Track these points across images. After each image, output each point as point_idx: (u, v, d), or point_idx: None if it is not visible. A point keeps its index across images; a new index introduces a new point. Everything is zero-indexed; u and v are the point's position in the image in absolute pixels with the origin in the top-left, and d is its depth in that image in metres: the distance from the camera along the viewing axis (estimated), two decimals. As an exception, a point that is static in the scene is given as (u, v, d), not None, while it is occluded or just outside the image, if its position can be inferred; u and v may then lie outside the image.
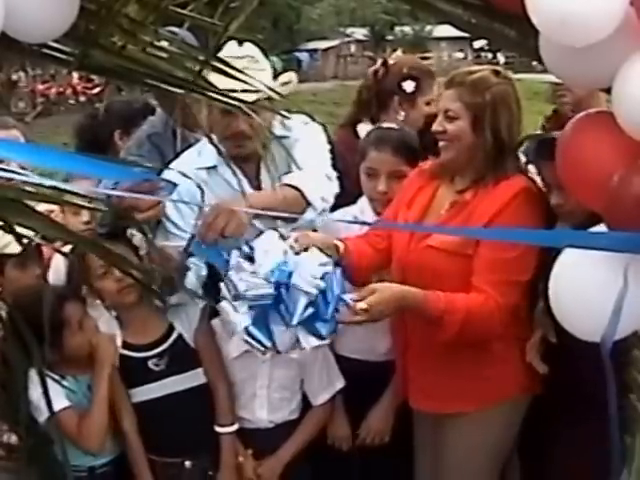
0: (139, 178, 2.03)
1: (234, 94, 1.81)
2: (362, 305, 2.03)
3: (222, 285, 2.11)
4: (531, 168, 2.43)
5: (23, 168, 2.01)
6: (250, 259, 2.08)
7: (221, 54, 2.36)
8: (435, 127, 2.33)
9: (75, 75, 19.56)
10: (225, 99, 1.69)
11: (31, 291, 2.20)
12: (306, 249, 2.14)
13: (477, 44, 36.27)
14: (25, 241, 1.74)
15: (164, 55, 1.57)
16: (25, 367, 2.00)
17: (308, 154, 2.51)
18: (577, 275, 1.47)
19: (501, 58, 28.47)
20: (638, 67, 1.31)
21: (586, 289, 1.45)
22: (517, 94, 2.31)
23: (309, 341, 2.06)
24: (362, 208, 2.65)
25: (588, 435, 2.12)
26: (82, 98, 20.14)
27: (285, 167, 2.47)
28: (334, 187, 2.55)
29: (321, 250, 2.16)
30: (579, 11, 1.24)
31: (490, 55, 33.59)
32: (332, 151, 2.69)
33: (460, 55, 38.19)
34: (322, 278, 2.02)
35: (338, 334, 2.62)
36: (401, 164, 2.57)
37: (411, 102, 3.00)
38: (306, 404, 2.63)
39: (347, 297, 2.04)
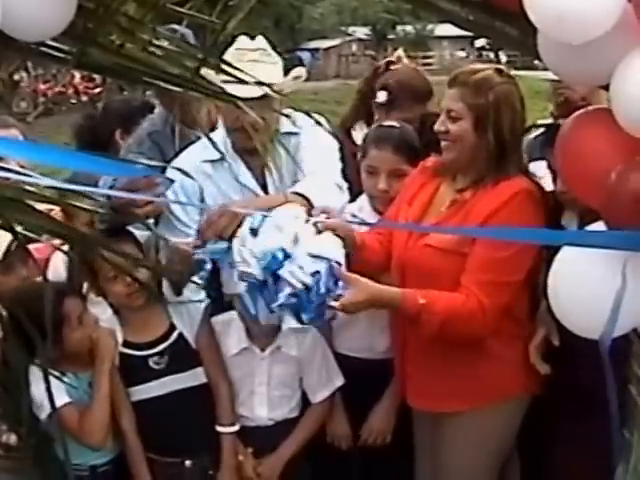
0: (139, 175, 2.03)
1: (233, 91, 1.82)
2: (335, 304, 2.07)
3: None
4: (532, 166, 2.43)
5: (22, 167, 2.02)
6: (255, 233, 2.11)
7: (233, 47, 2.45)
8: (437, 127, 2.32)
9: (77, 75, 19.58)
10: (223, 97, 1.68)
11: (30, 288, 2.21)
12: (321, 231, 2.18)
13: (479, 43, 36.21)
14: (6, 244, 1.75)
15: (162, 53, 1.56)
16: (26, 365, 2.01)
17: (318, 161, 2.52)
18: (575, 273, 1.48)
19: (503, 57, 28.44)
20: (636, 64, 1.31)
21: (585, 286, 1.46)
22: (521, 93, 2.30)
23: (289, 322, 2.14)
24: (361, 206, 2.65)
25: (588, 433, 2.14)
26: (84, 98, 20.13)
27: (291, 164, 2.50)
28: (344, 197, 2.55)
29: (339, 237, 2.19)
30: (576, 8, 1.24)
31: (492, 54, 33.54)
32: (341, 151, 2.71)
33: (462, 54, 38.14)
34: (313, 274, 2.04)
35: (337, 332, 2.64)
36: (401, 163, 2.57)
37: (383, 113, 2.98)
38: (306, 402, 2.63)
39: (333, 292, 2.08)
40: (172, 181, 2.30)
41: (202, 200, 2.53)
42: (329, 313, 2.13)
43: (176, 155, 2.69)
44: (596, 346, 1.38)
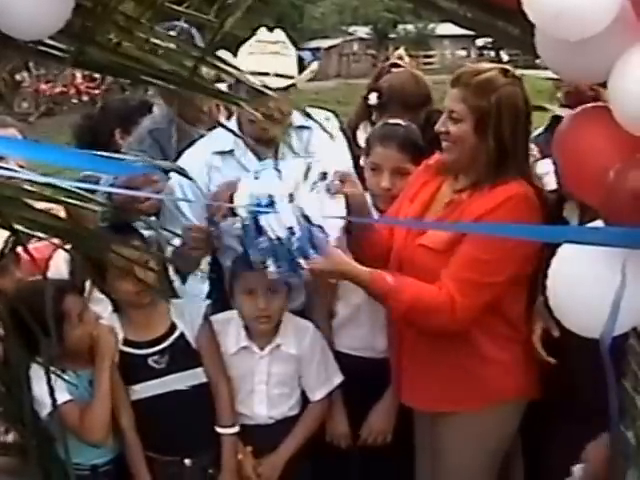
0: (138, 172, 2.03)
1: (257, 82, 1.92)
2: (305, 265, 2.16)
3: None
4: (540, 165, 2.41)
5: (21, 167, 2.01)
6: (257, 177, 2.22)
7: (254, 39, 2.53)
8: (438, 127, 2.31)
9: (78, 75, 19.59)
10: (221, 95, 1.68)
11: (31, 286, 2.21)
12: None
13: (480, 42, 36.18)
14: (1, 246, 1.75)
15: (160, 51, 1.56)
16: (26, 363, 2.01)
17: (330, 155, 2.54)
18: (575, 271, 1.47)
19: (504, 56, 28.41)
20: (634, 61, 1.31)
21: (584, 285, 1.45)
22: (526, 94, 2.26)
23: (271, 266, 2.20)
24: None
25: (587, 434, 2.14)
26: (85, 98, 20.14)
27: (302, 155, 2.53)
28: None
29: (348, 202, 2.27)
30: (574, 4, 1.24)
31: (493, 53, 33.50)
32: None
33: (463, 53, 38.12)
34: (288, 229, 2.13)
35: (338, 330, 2.64)
36: (405, 161, 2.56)
37: (377, 115, 3.00)
38: (306, 400, 2.62)
39: (307, 254, 2.16)
40: (168, 177, 2.32)
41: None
42: (302, 272, 2.19)
43: (178, 153, 2.70)
44: (592, 346, 1.37)
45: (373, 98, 3.03)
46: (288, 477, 2.57)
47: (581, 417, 2.22)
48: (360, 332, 2.63)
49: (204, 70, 1.68)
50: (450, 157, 2.32)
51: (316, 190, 2.26)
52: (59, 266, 2.59)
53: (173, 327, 2.49)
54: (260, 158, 2.56)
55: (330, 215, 2.24)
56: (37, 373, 2.07)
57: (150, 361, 2.45)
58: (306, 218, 2.16)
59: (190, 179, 2.38)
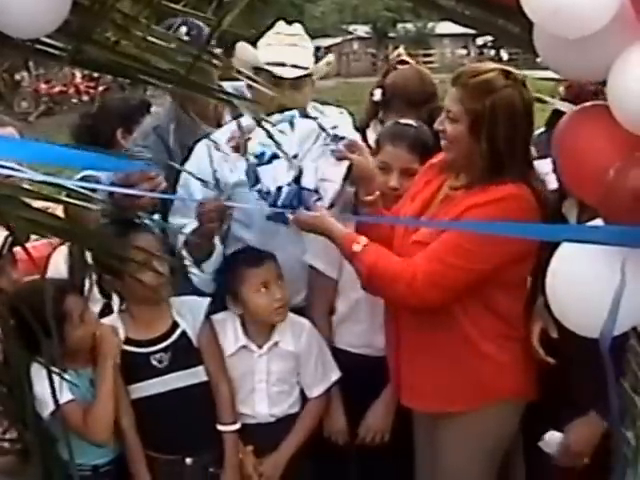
0: (136, 169, 2.03)
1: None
2: (290, 216, 2.32)
3: None
4: (537, 163, 2.40)
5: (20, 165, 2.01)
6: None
7: (273, 31, 2.65)
8: (437, 125, 2.31)
9: (78, 74, 19.60)
10: (217, 94, 1.68)
11: (31, 286, 2.20)
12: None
13: (480, 41, 36.17)
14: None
15: (158, 50, 1.56)
16: (27, 363, 2.00)
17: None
18: (574, 271, 1.46)
19: (504, 55, 28.41)
20: (634, 59, 1.30)
21: (583, 285, 1.44)
22: (527, 97, 2.21)
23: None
24: None
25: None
26: (85, 97, 20.14)
27: None
28: None
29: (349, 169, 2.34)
30: (573, 1, 1.23)
31: (493, 51, 33.50)
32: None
33: (463, 52, 38.12)
34: (279, 189, 2.28)
35: (338, 327, 2.65)
36: (415, 162, 2.56)
37: (383, 112, 3.01)
38: (305, 398, 2.62)
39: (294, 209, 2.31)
40: (165, 177, 2.34)
41: (217, 180, 2.58)
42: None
43: (182, 150, 2.73)
44: (590, 347, 1.37)
45: (377, 95, 3.04)
46: (289, 476, 2.57)
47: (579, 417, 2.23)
48: (359, 329, 2.62)
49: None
50: (448, 156, 2.32)
51: (324, 151, 2.34)
52: (58, 265, 2.59)
53: (175, 325, 2.49)
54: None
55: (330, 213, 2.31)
56: (38, 373, 2.07)
57: (152, 359, 2.44)
58: (297, 181, 2.29)
59: (195, 177, 2.41)
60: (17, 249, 2.03)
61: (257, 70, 2.57)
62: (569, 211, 2.24)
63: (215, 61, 1.66)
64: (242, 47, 2.63)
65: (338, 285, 2.62)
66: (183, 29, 2.51)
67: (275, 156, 2.30)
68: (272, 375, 2.55)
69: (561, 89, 2.92)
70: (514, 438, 2.43)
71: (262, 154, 2.30)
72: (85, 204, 1.90)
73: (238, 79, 2.16)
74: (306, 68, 2.59)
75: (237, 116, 2.57)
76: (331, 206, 2.37)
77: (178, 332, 2.48)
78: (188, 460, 2.47)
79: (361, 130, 3.10)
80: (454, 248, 2.18)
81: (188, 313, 2.51)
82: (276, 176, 2.30)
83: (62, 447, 2.30)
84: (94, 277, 2.38)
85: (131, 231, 2.36)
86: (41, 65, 17.88)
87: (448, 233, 2.21)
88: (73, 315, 2.31)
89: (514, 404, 2.35)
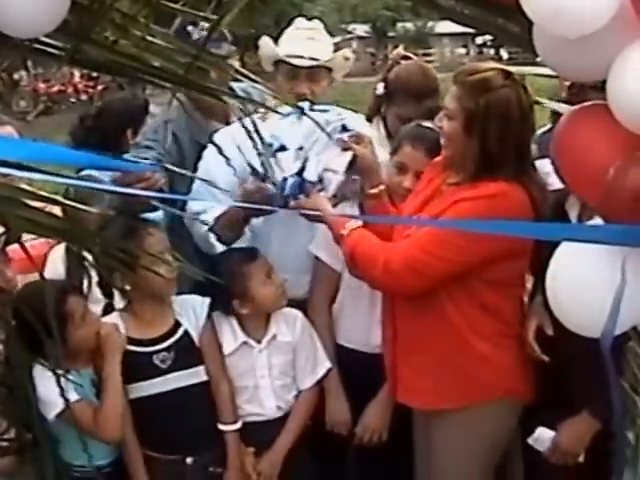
0: (134, 170, 2.03)
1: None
2: (292, 203, 2.39)
3: None
4: (539, 163, 2.40)
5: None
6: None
7: (293, 27, 2.79)
8: (436, 122, 2.33)
9: (77, 74, 19.59)
10: (214, 93, 1.68)
11: (33, 287, 2.19)
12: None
13: (479, 40, 36.16)
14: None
15: (156, 49, 1.56)
16: (30, 364, 2.00)
17: None
18: (574, 271, 1.46)
19: (504, 54, 28.41)
20: (633, 58, 1.30)
21: (583, 284, 1.44)
22: (526, 98, 2.20)
23: None
24: None
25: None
26: (83, 97, 20.14)
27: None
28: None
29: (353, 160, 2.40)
30: (573, 2, 1.23)
31: (493, 51, 33.50)
32: None
33: (462, 51, 38.12)
34: (285, 180, 2.38)
35: (336, 321, 2.65)
36: None
37: (385, 106, 3.01)
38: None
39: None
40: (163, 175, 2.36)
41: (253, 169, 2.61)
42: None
43: (193, 143, 2.77)
44: (586, 347, 1.36)
45: (380, 88, 3.05)
46: (288, 475, 2.57)
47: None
48: (358, 322, 2.62)
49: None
50: (446, 153, 2.33)
51: (330, 142, 2.40)
52: (56, 264, 2.59)
53: (177, 324, 2.49)
54: None
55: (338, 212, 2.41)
56: (41, 375, 2.07)
57: (155, 359, 2.44)
58: (301, 172, 2.38)
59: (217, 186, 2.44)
60: (14, 248, 2.03)
61: (277, 63, 2.72)
62: (572, 209, 2.24)
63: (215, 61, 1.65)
64: (264, 43, 2.78)
65: (341, 278, 2.62)
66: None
67: (283, 147, 2.38)
68: (274, 369, 2.56)
69: (563, 94, 2.93)
70: (511, 438, 2.43)
71: (270, 145, 2.37)
72: (83, 205, 1.90)
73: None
74: (323, 60, 2.71)
75: (245, 114, 2.62)
76: (334, 196, 2.44)
77: (181, 331, 2.48)
78: (189, 460, 2.47)
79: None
80: (436, 238, 2.20)
81: (190, 312, 2.51)
82: (284, 168, 2.39)
83: (63, 448, 2.31)
84: (94, 277, 2.39)
85: (139, 225, 2.37)
86: (40, 64, 17.87)
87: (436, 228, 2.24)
88: (75, 316, 2.31)
89: (510, 403, 2.35)
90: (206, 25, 2.48)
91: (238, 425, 2.51)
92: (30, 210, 1.72)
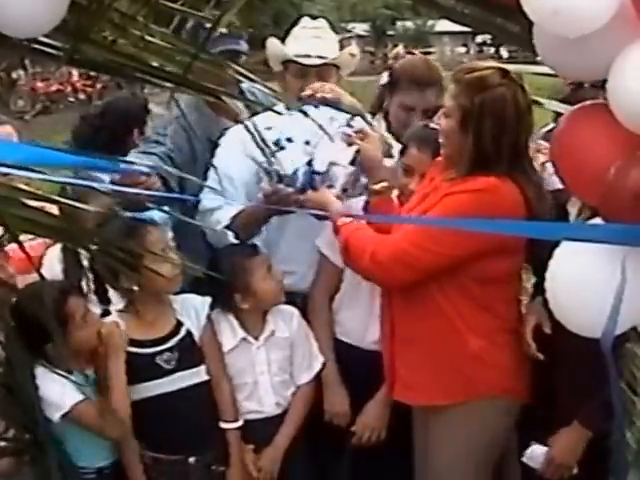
0: (130, 171, 2.04)
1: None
2: (301, 197, 2.42)
3: None
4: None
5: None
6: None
7: (299, 26, 2.83)
8: (436, 119, 2.35)
9: (75, 73, 19.55)
10: (213, 93, 1.68)
11: (33, 289, 2.19)
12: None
13: (480, 38, 36.16)
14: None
15: (155, 48, 1.55)
16: (31, 366, 2.00)
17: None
18: (574, 271, 1.46)
19: (504, 53, 28.41)
20: (634, 58, 1.30)
21: (583, 284, 1.44)
22: (523, 98, 2.20)
23: None
24: None
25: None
26: (82, 96, 20.09)
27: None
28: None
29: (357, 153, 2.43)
30: (573, 2, 1.23)
31: (493, 49, 33.50)
32: None
33: (462, 50, 38.10)
34: (295, 172, 2.41)
35: (336, 315, 2.67)
36: None
37: (389, 97, 3.02)
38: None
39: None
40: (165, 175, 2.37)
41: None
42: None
43: (203, 139, 2.80)
44: (585, 349, 1.36)
45: (384, 77, 3.07)
46: (288, 474, 2.58)
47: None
48: (357, 317, 2.62)
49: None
50: (445, 151, 2.34)
51: (335, 137, 2.43)
52: (53, 264, 2.58)
53: (179, 324, 2.49)
54: None
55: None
56: (43, 376, 2.07)
57: (158, 359, 2.43)
58: (309, 164, 2.41)
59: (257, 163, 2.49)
60: (12, 248, 2.03)
61: (286, 63, 2.76)
62: (572, 207, 2.24)
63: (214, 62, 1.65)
64: (271, 43, 2.81)
65: (344, 274, 2.62)
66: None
67: (289, 140, 2.42)
68: (273, 365, 2.57)
69: (549, 116, 2.94)
70: (509, 438, 2.44)
71: (278, 140, 2.41)
72: (82, 205, 1.90)
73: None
74: (331, 58, 2.75)
75: (253, 112, 2.66)
76: (344, 191, 2.46)
77: (183, 331, 2.48)
78: (191, 459, 2.47)
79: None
80: (426, 231, 2.22)
81: (192, 311, 2.51)
82: (293, 160, 2.42)
83: (65, 449, 2.31)
84: (91, 279, 2.39)
85: (139, 224, 2.37)
86: (38, 63, 17.84)
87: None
88: (76, 316, 2.30)
89: (505, 402, 2.35)
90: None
91: (239, 423, 2.52)
92: (28, 209, 1.72)
